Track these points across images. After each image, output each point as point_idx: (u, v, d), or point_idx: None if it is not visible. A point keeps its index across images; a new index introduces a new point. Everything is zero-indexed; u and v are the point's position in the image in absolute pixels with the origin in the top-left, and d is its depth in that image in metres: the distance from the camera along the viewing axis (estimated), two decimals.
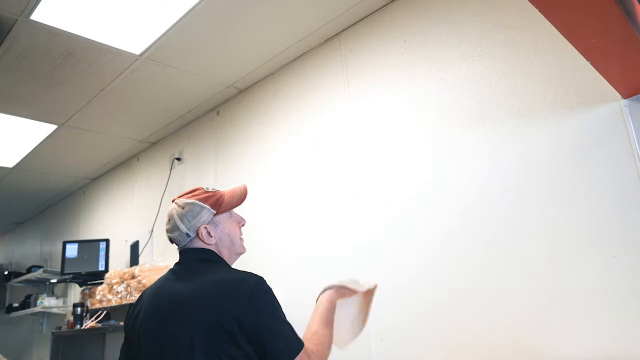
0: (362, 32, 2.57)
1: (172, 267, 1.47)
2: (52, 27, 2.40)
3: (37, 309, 4.71)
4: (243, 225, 1.53)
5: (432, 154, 2.16)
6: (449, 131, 2.11)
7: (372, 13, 2.53)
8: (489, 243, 1.91)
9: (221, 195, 1.47)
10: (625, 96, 1.64)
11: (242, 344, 1.22)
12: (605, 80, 1.61)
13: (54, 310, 4.77)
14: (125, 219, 4.32)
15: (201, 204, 1.42)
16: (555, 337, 1.69)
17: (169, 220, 1.45)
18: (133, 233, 4.07)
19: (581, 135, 1.74)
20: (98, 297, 3.68)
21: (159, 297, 1.40)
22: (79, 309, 3.68)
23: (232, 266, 1.47)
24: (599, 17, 1.17)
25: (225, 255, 1.45)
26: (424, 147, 2.19)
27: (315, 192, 2.62)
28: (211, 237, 1.42)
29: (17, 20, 2.33)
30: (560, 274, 1.71)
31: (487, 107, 2.01)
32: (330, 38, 2.72)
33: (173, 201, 1.48)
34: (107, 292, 3.58)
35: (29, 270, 5.09)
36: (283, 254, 2.73)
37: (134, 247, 3.91)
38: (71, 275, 3.91)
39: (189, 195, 1.46)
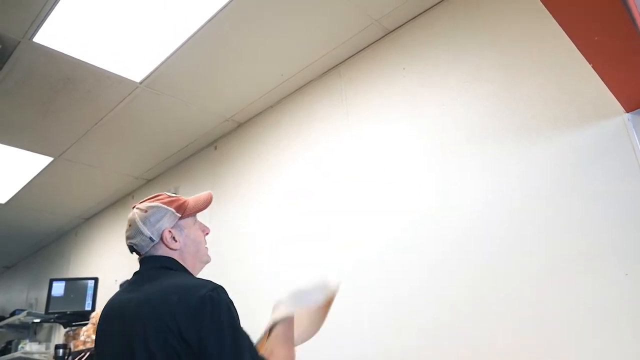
0: (361, 63, 2.60)
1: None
2: (53, 50, 2.42)
3: (17, 354, 4.47)
4: (207, 233, 1.45)
5: (433, 178, 2.11)
6: (450, 154, 2.08)
7: (371, 44, 2.56)
8: (493, 263, 1.82)
9: (185, 201, 1.39)
10: (628, 110, 1.61)
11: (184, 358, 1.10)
12: (607, 96, 1.59)
13: (36, 357, 4.52)
14: (116, 259, 4.19)
15: (165, 206, 1.34)
16: (566, 358, 1.57)
17: (129, 226, 1.35)
18: (123, 273, 3.93)
19: (585, 151, 1.71)
20: (82, 338, 3.50)
21: (111, 310, 1.30)
22: (60, 351, 3.49)
23: (197, 276, 1.36)
24: (601, 12, 1.17)
25: (189, 262, 1.35)
26: (425, 171, 2.15)
27: (316, 222, 2.55)
28: (176, 241, 1.33)
29: (19, 42, 2.36)
30: (570, 294, 1.61)
31: (488, 128, 1.99)
32: (329, 69, 2.74)
33: (134, 207, 1.39)
34: (92, 332, 3.41)
35: (12, 314, 4.88)
36: (284, 285, 2.61)
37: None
38: (56, 315, 3.73)
39: (152, 199, 1.38)
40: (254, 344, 1.20)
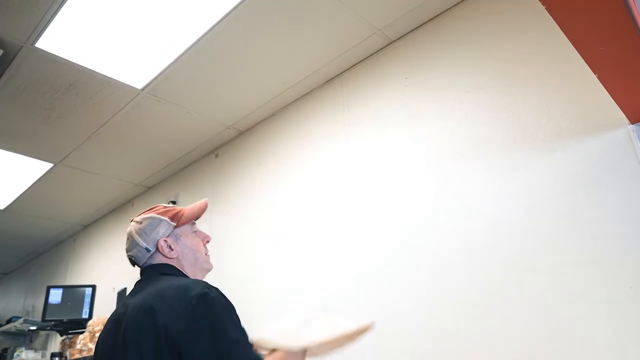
0: (363, 72, 2.60)
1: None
2: (55, 55, 2.42)
3: None
4: (208, 241, 1.46)
5: (435, 189, 2.09)
6: (452, 165, 2.06)
7: (374, 53, 2.56)
8: (495, 276, 1.80)
9: (181, 210, 1.42)
10: (633, 121, 1.60)
11: None
12: (611, 107, 1.58)
13: None
14: (115, 267, 4.16)
15: (159, 216, 1.37)
16: None
17: (127, 239, 1.38)
18: (122, 280, 3.91)
19: (589, 163, 1.69)
20: (79, 346, 3.47)
21: (112, 317, 1.31)
22: (56, 359, 3.45)
23: None
24: (607, 21, 1.16)
25: (188, 270, 1.36)
26: (426, 182, 2.13)
27: (316, 231, 2.53)
28: (172, 250, 1.34)
29: (22, 47, 2.35)
30: (575, 308, 1.59)
31: (491, 138, 1.97)
32: (331, 78, 2.74)
33: (132, 221, 1.41)
34: (88, 340, 3.38)
35: (8, 321, 4.84)
36: (283, 293, 2.59)
37: (121, 295, 3.73)
38: (52, 323, 3.70)
39: (148, 211, 1.41)
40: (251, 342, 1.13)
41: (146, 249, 1.33)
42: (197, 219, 1.44)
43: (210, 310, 1.10)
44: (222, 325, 1.09)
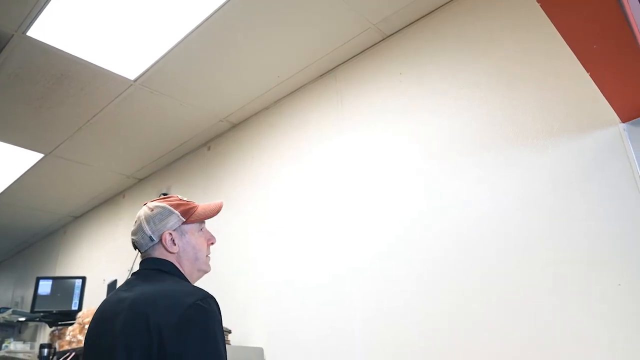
0: (357, 66, 2.59)
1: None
2: (47, 45, 2.39)
3: (1, 353, 4.39)
4: (213, 243, 1.45)
5: (428, 185, 2.10)
6: (445, 160, 2.07)
7: (368, 48, 2.56)
8: (486, 272, 1.81)
9: (195, 206, 1.41)
10: (624, 120, 1.62)
11: None
12: (603, 105, 1.59)
13: (20, 356, 4.45)
14: (105, 258, 4.15)
15: (171, 208, 1.36)
16: None
17: (135, 222, 1.38)
18: (112, 272, 3.89)
19: (580, 161, 1.70)
20: (68, 337, 3.44)
21: (103, 308, 1.30)
22: (45, 351, 3.42)
23: (195, 284, 1.35)
24: (600, 19, 1.16)
25: (186, 268, 1.35)
26: (419, 178, 2.14)
27: (309, 225, 2.53)
28: (175, 245, 1.33)
29: (13, 35, 2.33)
30: (563, 305, 1.60)
31: (484, 134, 1.98)
32: (325, 72, 2.73)
33: (145, 204, 1.41)
34: (78, 332, 3.36)
35: None
36: (277, 286, 2.59)
37: (111, 286, 3.72)
38: (41, 314, 3.68)
39: (163, 199, 1.40)
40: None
41: (150, 237, 1.32)
42: (208, 219, 1.43)
43: (203, 321, 1.12)
44: (212, 338, 1.12)
